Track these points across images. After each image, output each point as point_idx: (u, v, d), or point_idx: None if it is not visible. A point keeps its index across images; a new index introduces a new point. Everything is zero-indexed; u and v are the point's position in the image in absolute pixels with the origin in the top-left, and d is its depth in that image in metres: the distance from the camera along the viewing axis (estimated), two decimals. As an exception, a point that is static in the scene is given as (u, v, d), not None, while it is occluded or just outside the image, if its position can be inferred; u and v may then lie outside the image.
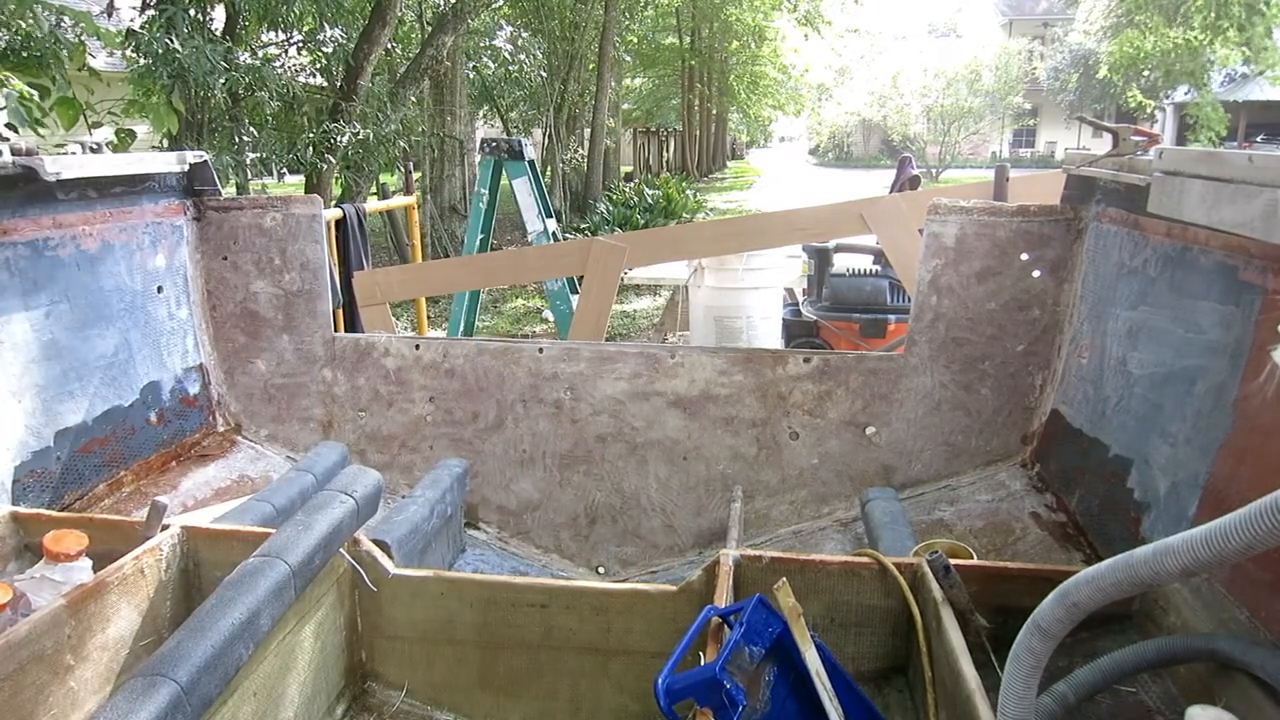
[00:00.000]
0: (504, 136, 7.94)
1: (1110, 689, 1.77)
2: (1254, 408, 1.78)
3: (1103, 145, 2.59)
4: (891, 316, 4.58)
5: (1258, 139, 28.34)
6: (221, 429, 3.16)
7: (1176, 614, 1.84)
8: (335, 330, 3.20)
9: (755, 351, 2.97)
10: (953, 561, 1.97)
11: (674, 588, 2.05)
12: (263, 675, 1.83)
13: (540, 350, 3.04)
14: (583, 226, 13.12)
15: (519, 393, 3.06)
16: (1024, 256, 2.76)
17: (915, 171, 5.69)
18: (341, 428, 3.16)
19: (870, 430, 2.89)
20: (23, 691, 1.73)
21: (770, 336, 4.45)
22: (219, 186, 3.13)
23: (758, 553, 2.04)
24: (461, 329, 5.93)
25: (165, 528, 2.15)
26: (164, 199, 2.97)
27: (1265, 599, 1.65)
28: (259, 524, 2.43)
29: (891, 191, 5.35)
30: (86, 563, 1.93)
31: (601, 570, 3.01)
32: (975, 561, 1.98)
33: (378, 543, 2.21)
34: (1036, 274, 2.76)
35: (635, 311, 8.86)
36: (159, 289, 2.94)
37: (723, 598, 1.89)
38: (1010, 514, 2.59)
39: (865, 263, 4.76)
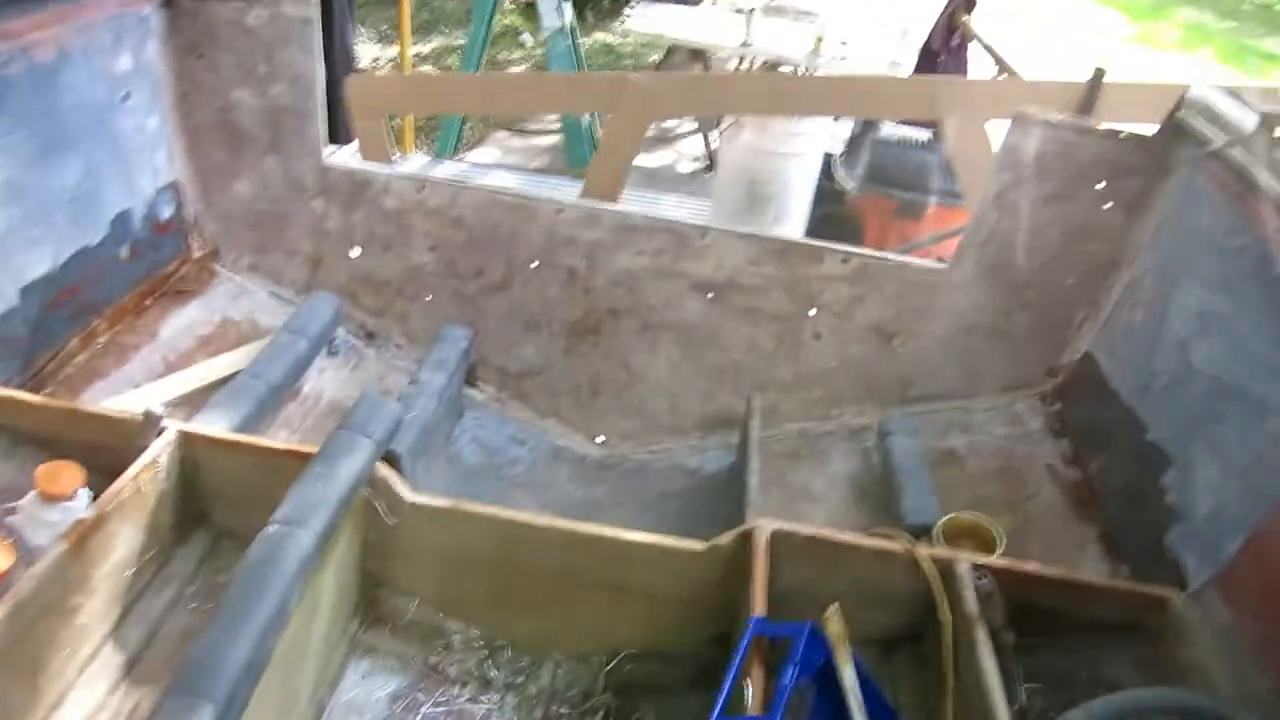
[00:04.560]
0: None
1: None
2: None
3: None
4: (932, 199, 4.25)
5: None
6: (198, 254, 2.87)
7: (1193, 650, 1.87)
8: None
9: (792, 244, 2.75)
10: (980, 560, 1.97)
11: (700, 546, 2.01)
12: (288, 633, 1.77)
13: (559, 211, 2.76)
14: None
15: (531, 253, 2.81)
16: (1100, 185, 2.53)
17: None
18: (333, 266, 2.90)
19: (896, 341, 2.77)
20: (34, 642, 1.64)
21: (802, 209, 4.10)
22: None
23: (791, 528, 1.99)
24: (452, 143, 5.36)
25: (160, 431, 1.99)
26: None
27: None
28: (254, 407, 2.27)
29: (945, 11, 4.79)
30: (84, 496, 1.77)
31: (600, 440, 2.95)
32: (1003, 562, 1.97)
33: (389, 459, 2.08)
34: (1108, 205, 2.55)
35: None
36: (125, 97, 2.53)
37: (760, 574, 1.87)
38: (1025, 460, 2.57)
39: (916, 132, 4.34)
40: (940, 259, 4.38)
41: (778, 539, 1.96)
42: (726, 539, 1.99)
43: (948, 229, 4.07)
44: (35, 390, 2.27)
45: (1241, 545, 1.87)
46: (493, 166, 5.67)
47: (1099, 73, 2.64)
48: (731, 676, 1.64)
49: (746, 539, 1.97)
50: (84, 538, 1.73)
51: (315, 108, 2.73)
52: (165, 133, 2.70)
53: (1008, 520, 2.40)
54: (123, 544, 1.85)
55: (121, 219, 2.55)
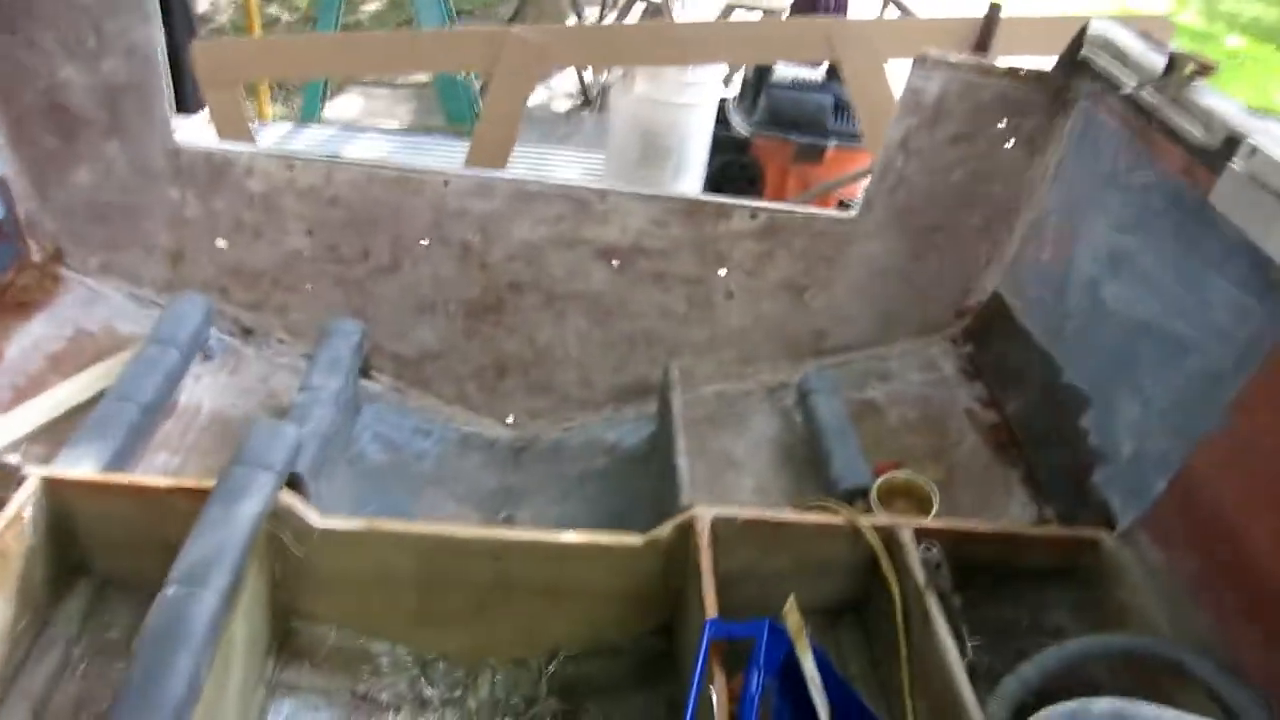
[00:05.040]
0: None
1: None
2: (1255, 425, 1.73)
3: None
4: (831, 141, 4.13)
5: None
6: (38, 258, 2.54)
7: (1128, 590, 1.89)
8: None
9: (697, 202, 2.62)
10: (921, 524, 1.94)
11: (639, 541, 1.92)
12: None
13: (446, 183, 2.55)
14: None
15: (419, 230, 2.60)
16: (1001, 125, 2.49)
17: None
18: (196, 260, 2.61)
19: (808, 294, 2.71)
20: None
21: (701, 158, 3.93)
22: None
23: (731, 513, 1.91)
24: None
25: (20, 481, 1.75)
26: None
27: (1232, 617, 1.71)
28: (126, 435, 2.04)
29: None
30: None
31: (508, 422, 2.80)
32: (944, 524, 1.95)
33: (291, 482, 1.89)
34: (1010, 144, 2.52)
35: None
36: None
37: (707, 569, 1.79)
38: (944, 407, 2.56)
39: (811, 73, 4.19)
40: (843, 202, 4.38)
41: (718, 525, 1.89)
42: (665, 531, 1.90)
43: (848, 172, 4.03)
44: None
45: (1168, 485, 1.90)
46: (366, 130, 5.27)
47: (995, 8, 2.58)
48: (695, 687, 1.56)
49: (686, 529, 1.89)
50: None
51: (159, 82, 2.42)
52: None
53: (935, 471, 2.40)
54: (-9, 617, 1.63)
55: None
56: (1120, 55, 2.20)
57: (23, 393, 2.21)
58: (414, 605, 1.97)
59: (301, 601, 1.95)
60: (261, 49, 2.92)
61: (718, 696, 1.55)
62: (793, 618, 1.59)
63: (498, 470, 2.62)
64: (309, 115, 5.23)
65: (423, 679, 2.00)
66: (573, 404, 2.81)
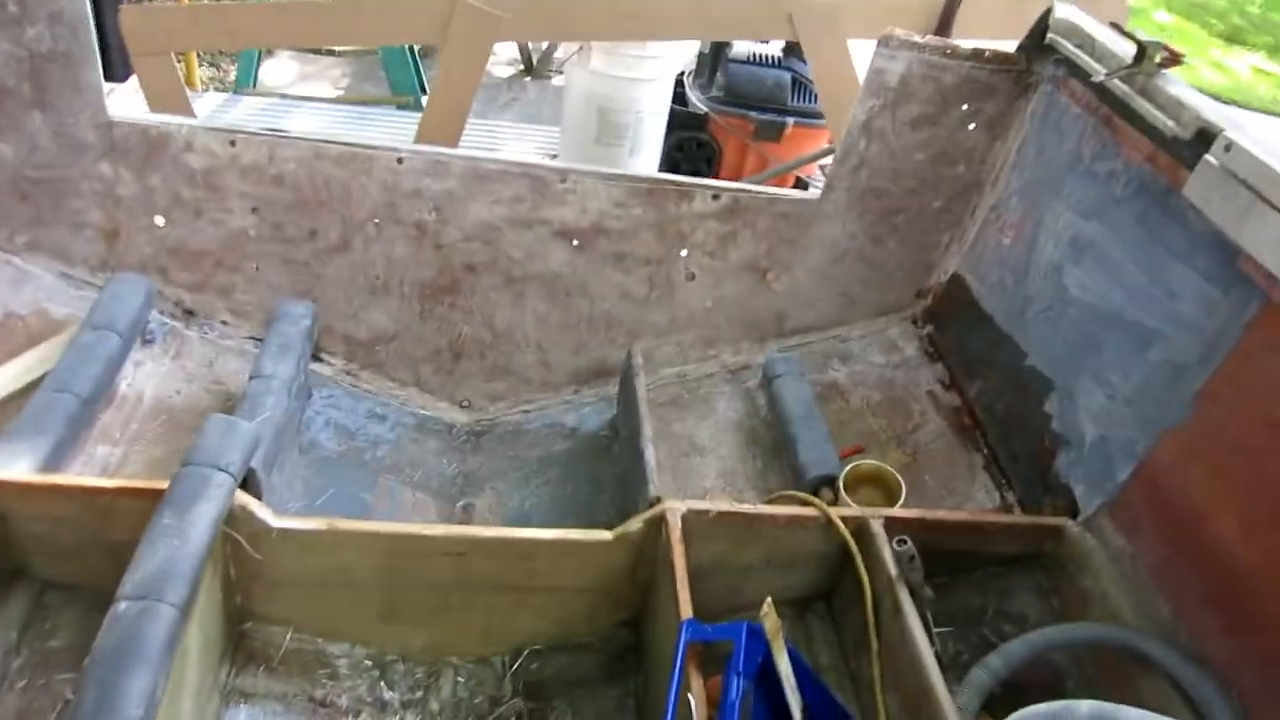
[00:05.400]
0: None
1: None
2: (1220, 415, 1.75)
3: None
4: (790, 119, 4.05)
5: None
6: (-42, 236, 2.38)
7: (1092, 578, 1.92)
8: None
9: (659, 182, 2.55)
10: (889, 513, 1.94)
11: (609, 536, 1.88)
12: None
13: (400, 160, 2.44)
14: None
15: (370, 210, 2.49)
16: (964, 107, 2.47)
17: None
18: (132, 238, 2.47)
19: (770, 276, 2.67)
20: None
21: (658, 135, 3.83)
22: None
23: (703, 506, 1.88)
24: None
25: (-50, 483, 1.63)
26: None
27: (1195, 605, 1.74)
28: (65, 429, 1.93)
29: None
30: None
31: (465, 404, 2.73)
32: (913, 514, 1.95)
33: (247, 478, 1.81)
34: (972, 127, 2.50)
35: None
36: None
37: (680, 567, 1.76)
38: (906, 389, 2.56)
39: (769, 48, 4.10)
40: (800, 181, 4.33)
41: (690, 520, 1.85)
42: (636, 525, 1.86)
43: (807, 150, 3.98)
44: None
45: (1132, 473, 1.92)
46: (307, 101, 5.05)
47: None
48: (674, 691, 1.53)
49: (657, 523, 1.85)
50: None
51: (87, 51, 2.26)
52: None
53: (898, 454, 2.40)
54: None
55: None
56: (1086, 41, 2.18)
57: (-53, 382, 2.08)
58: (375, 605, 1.90)
59: (256, 604, 1.87)
60: (194, 15, 2.75)
61: (696, 701, 1.53)
62: (770, 620, 1.57)
63: (455, 456, 2.56)
64: (243, 83, 4.99)
65: (382, 681, 1.94)
66: (532, 386, 2.75)
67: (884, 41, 2.40)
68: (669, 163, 4.15)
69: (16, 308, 2.34)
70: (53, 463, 1.86)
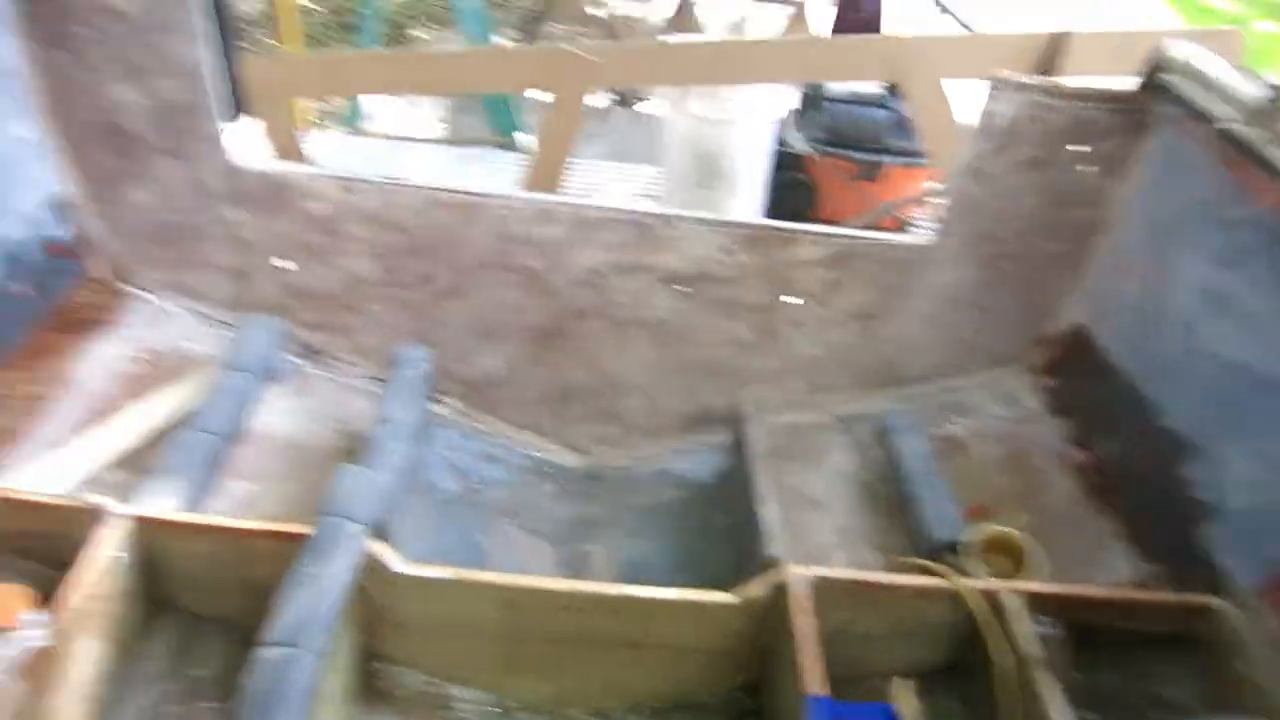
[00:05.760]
0: None
1: None
2: None
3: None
4: (888, 159, 4.02)
5: None
6: (102, 275, 2.49)
7: (1246, 662, 1.80)
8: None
9: (764, 229, 2.54)
10: (1028, 587, 1.87)
11: (734, 600, 1.86)
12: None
13: (508, 208, 2.48)
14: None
15: (481, 257, 2.53)
16: (1075, 148, 2.41)
17: None
18: (261, 279, 2.56)
19: (878, 323, 2.64)
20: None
21: (759, 177, 3.82)
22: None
23: (831, 574, 1.85)
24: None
25: (108, 521, 1.70)
26: None
27: None
28: (206, 469, 1.99)
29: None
30: (34, 620, 1.49)
31: (577, 448, 2.74)
32: (1054, 589, 1.88)
33: (378, 531, 1.84)
34: (1084, 168, 2.44)
35: None
36: None
37: (806, 626, 1.73)
38: (1030, 444, 2.49)
39: (870, 88, 4.09)
40: (903, 222, 4.28)
41: (816, 586, 1.82)
42: (759, 590, 1.84)
43: (908, 190, 3.94)
44: (-59, 465, 1.93)
45: None
46: (414, 141, 5.18)
47: (1062, 25, 2.50)
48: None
49: (781, 589, 1.83)
50: (40, 667, 1.46)
51: (209, 101, 2.35)
52: (43, 141, 2.29)
53: (1025, 517, 2.32)
54: (83, 659, 1.59)
55: (4, 247, 2.16)
56: (1205, 81, 2.11)
57: (97, 414, 2.17)
58: (496, 653, 1.92)
59: (384, 645, 1.91)
60: (312, 66, 2.84)
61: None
62: (906, 703, 1.53)
63: (569, 500, 2.57)
64: (352, 123, 5.15)
65: (503, 727, 1.95)
66: (640, 432, 2.75)
67: (994, 83, 2.37)
68: (770, 204, 4.14)
69: (155, 345, 2.43)
70: (195, 499, 1.93)
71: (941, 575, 1.86)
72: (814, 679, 1.63)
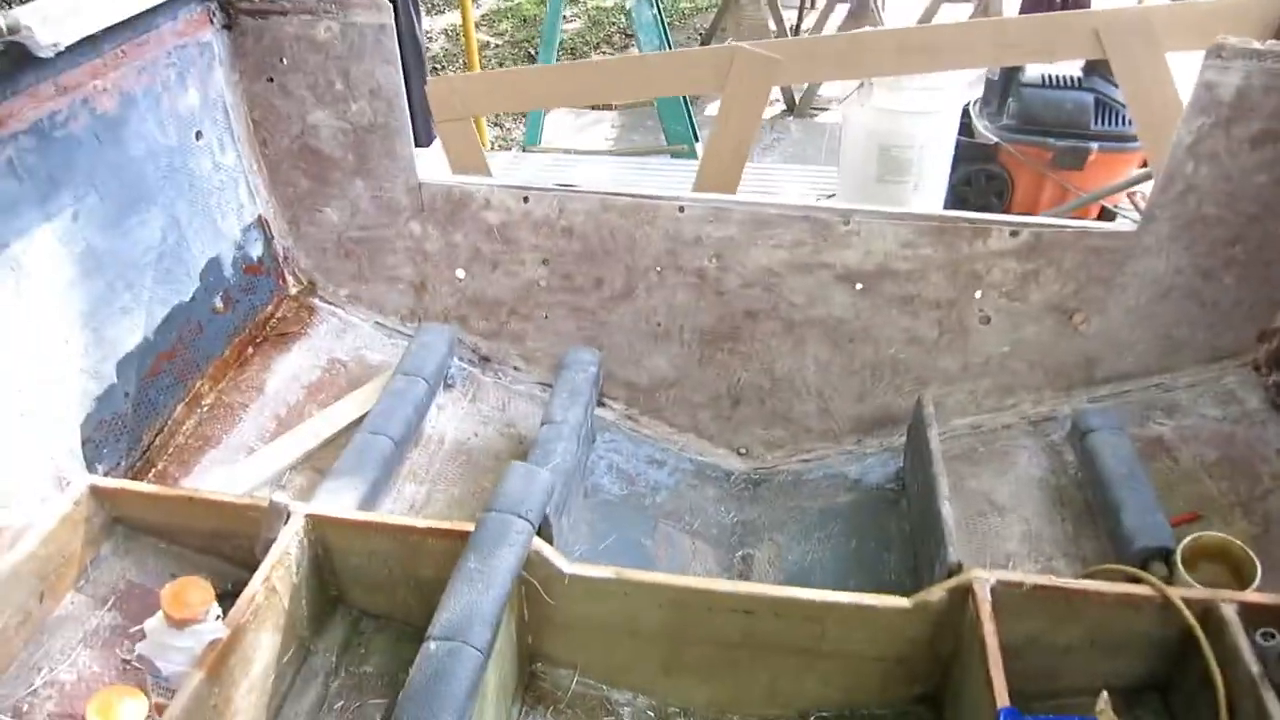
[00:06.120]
0: None
1: None
2: None
3: None
4: (1094, 144, 3.71)
5: None
6: (294, 290, 2.66)
7: None
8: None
9: (951, 219, 2.40)
10: (1250, 598, 1.65)
11: (908, 603, 1.73)
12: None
13: (681, 209, 2.46)
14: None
15: (653, 258, 2.52)
16: None
17: None
18: (436, 290, 2.66)
19: (1078, 318, 2.42)
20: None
21: (943, 171, 3.66)
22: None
23: (1015, 578, 1.69)
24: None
25: (288, 518, 1.78)
26: (183, 9, 2.23)
27: None
28: (380, 470, 2.06)
29: None
30: (215, 612, 1.58)
31: (743, 452, 2.68)
32: (1275, 599, 1.64)
33: (541, 528, 1.85)
34: None
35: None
36: (197, 134, 2.30)
37: (993, 646, 1.58)
38: (1251, 448, 2.21)
39: (1067, 68, 3.83)
40: (1105, 211, 3.96)
41: (999, 592, 1.67)
42: (937, 594, 1.70)
43: (1112, 178, 3.63)
44: (146, 469, 2.10)
45: None
46: (590, 154, 5.29)
47: None
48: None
49: (962, 594, 1.69)
50: (222, 659, 1.54)
51: (401, 123, 2.47)
52: (243, 166, 2.48)
53: (1242, 525, 2.06)
54: (262, 652, 1.67)
55: (211, 267, 2.35)
56: None
57: (284, 423, 2.31)
58: (659, 656, 1.87)
59: (546, 646, 1.90)
60: (491, 82, 2.93)
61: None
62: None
63: (734, 504, 2.50)
64: (531, 141, 5.32)
65: (665, 734, 1.91)
66: (812, 435, 2.65)
67: (1215, 51, 2.12)
68: (956, 199, 3.90)
69: (340, 355, 2.57)
70: (369, 500, 2.00)
71: (1150, 584, 1.66)
72: (1000, 691, 1.49)
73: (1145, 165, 3.66)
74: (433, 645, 1.47)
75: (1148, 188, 3.12)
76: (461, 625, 1.49)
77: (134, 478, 2.05)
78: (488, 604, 1.54)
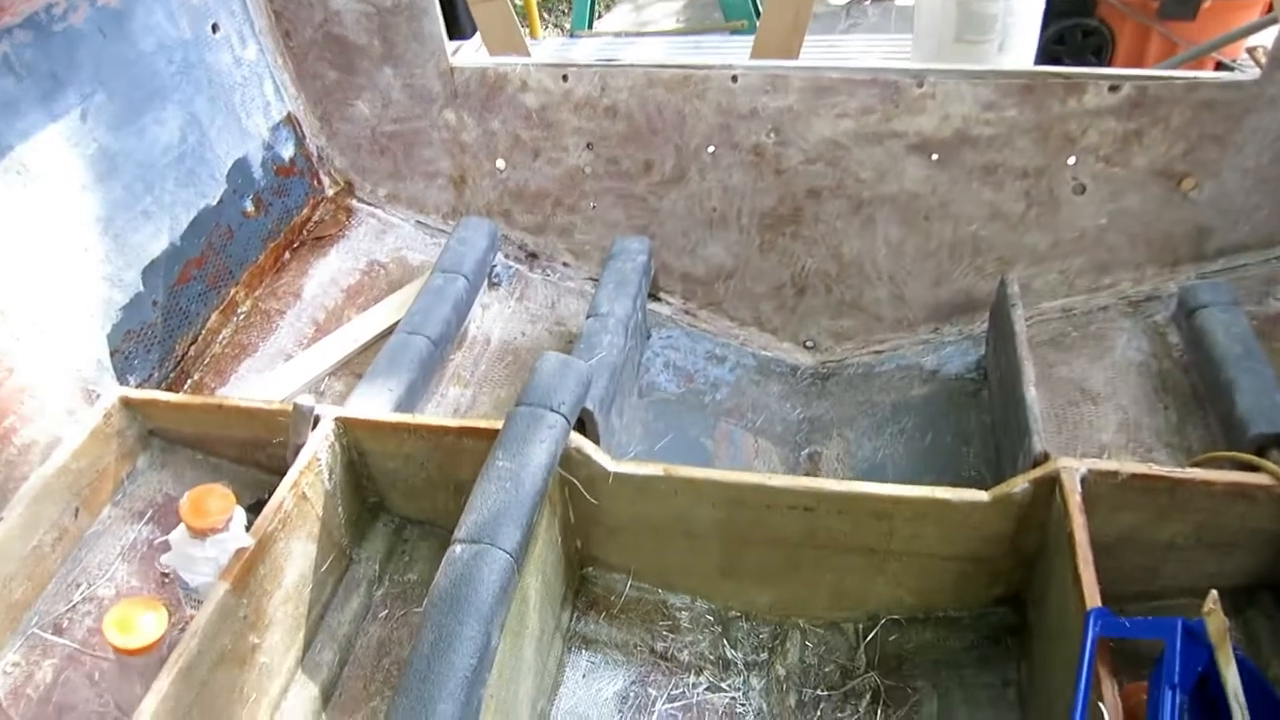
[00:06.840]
0: None
1: None
2: None
3: None
4: None
5: None
6: (331, 192, 2.55)
7: None
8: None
9: (1040, 75, 2.12)
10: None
11: (985, 497, 1.57)
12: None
13: (734, 79, 2.24)
14: None
15: (705, 135, 2.32)
16: None
17: None
18: (477, 184, 2.51)
19: (1188, 182, 2.14)
20: (215, 698, 1.42)
21: (1033, 27, 3.28)
22: None
23: (1109, 467, 1.50)
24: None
25: (316, 422, 1.70)
26: None
27: None
28: (418, 370, 1.96)
29: None
30: (239, 519, 1.51)
31: (810, 344, 2.50)
32: None
33: (582, 419, 1.73)
34: None
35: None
36: (213, 28, 2.17)
37: (1083, 542, 1.41)
38: None
39: None
40: (1223, 64, 3.55)
41: (1091, 482, 1.49)
42: (1020, 486, 1.53)
43: (1228, 27, 3.21)
44: (181, 380, 2.05)
45: None
46: (639, 35, 5.00)
47: None
48: (1082, 696, 1.21)
49: (1049, 486, 1.51)
50: (249, 569, 1.47)
51: (428, 2, 2.29)
52: (267, 61, 2.34)
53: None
54: (295, 561, 1.60)
55: (239, 168, 2.24)
56: None
57: (323, 328, 2.22)
58: (715, 557, 1.75)
59: (596, 549, 1.80)
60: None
61: (1109, 713, 1.20)
62: (1215, 620, 1.19)
63: (800, 400, 2.34)
64: (580, 25, 5.05)
65: (725, 639, 1.80)
66: (884, 324, 2.45)
67: None
68: (1047, 60, 3.54)
69: (379, 256, 2.46)
70: (407, 404, 1.90)
71: (1269, 471, 1.45)
72: (1090, 589, 1.32)
73: (1271, 10, 3.24)
74: (458, 549, 1.37)
75: (1269, 38, 2.76)
76: (489, 527, 1.38)
77: (169, 389, 2.00)
78: (518, 504, 1.42)
